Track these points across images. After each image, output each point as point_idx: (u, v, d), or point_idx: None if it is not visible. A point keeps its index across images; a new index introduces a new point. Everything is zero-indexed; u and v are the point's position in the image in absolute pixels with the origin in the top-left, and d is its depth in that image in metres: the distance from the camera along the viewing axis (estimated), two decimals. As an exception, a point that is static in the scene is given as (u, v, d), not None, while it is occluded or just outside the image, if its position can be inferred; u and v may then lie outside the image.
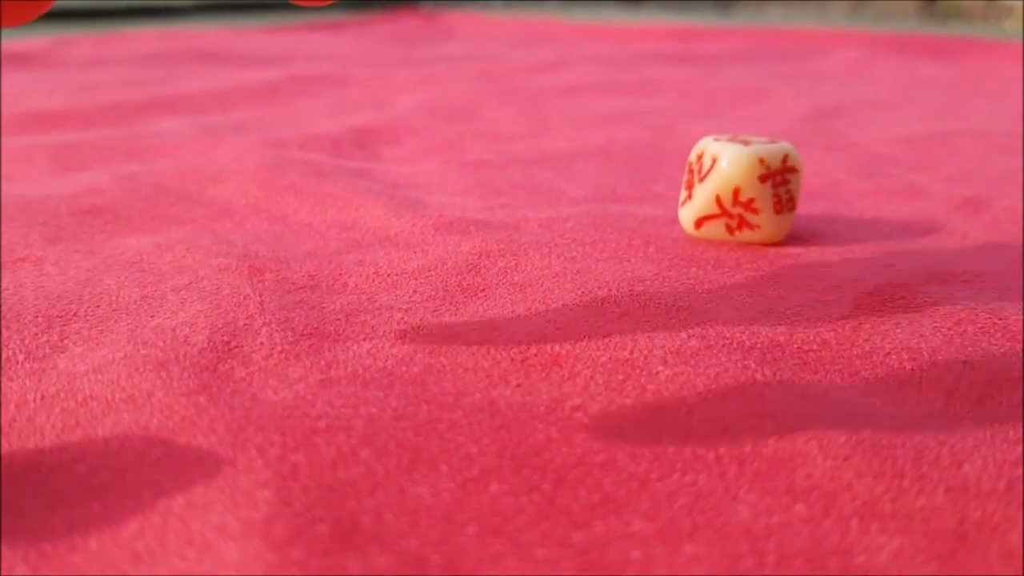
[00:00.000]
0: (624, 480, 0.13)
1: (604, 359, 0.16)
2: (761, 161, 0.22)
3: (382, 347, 0.17)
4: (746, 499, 0.12)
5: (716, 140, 0.23)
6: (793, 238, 0.24)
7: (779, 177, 0.22)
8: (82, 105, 0.42)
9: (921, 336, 0.17)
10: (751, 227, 0.23)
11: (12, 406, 0.15)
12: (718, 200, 0.23)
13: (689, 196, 0.23)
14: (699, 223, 0.23)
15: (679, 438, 0.14)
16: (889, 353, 0.17)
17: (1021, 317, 0.18)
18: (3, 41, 0.67)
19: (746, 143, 0.23)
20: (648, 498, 0.13)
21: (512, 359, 0.16)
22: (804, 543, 0.12)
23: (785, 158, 0.23)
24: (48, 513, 0.12)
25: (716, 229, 0.23)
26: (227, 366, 0.16)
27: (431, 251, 0.22)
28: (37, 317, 0.18)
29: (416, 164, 0.33)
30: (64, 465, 0.13)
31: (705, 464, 0.13)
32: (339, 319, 0.18)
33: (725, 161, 0.22)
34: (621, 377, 0.16)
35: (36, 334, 0.18)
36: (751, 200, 0.22)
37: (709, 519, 0.12)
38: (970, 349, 0.17)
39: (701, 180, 0.23)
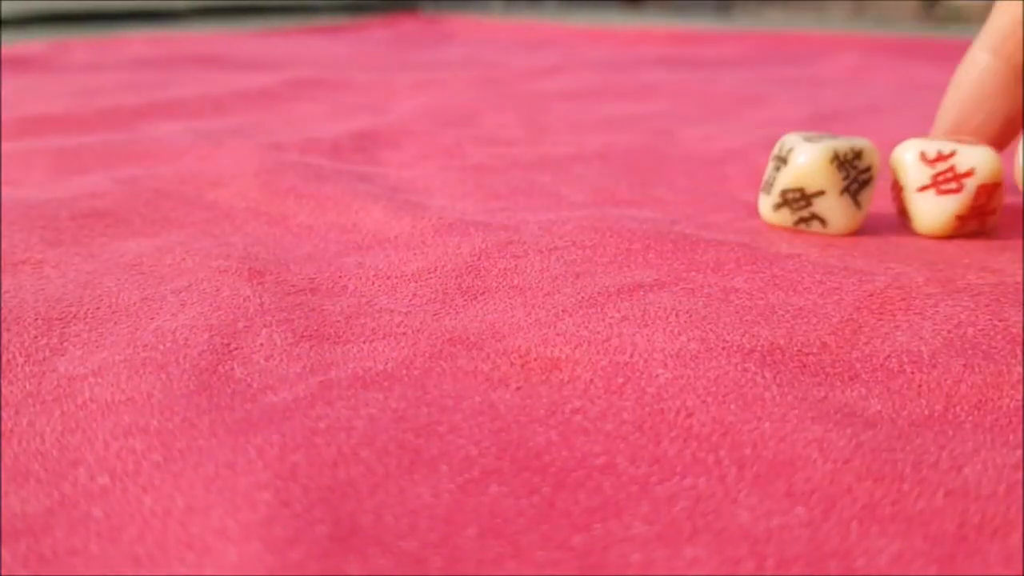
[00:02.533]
0: (624, 483, 0.13)
1: (604, 362, 0.16)
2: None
3: (382, 350, 0.17)
4: (746, 503, 0.12)
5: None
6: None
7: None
8: (81, 109, 0.42)
9: (921, 339, 0.17)
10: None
11: (12, 409, 0.15)
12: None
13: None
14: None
15: (679, 440, 0.14)
16: (889, 356, 0.17)
17: (1021, 319, 0.18)
18: (2, 46, 0.67)
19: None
20: (648, 501, 0.13)
21: (512, 363, 0.16)
22: (804, 547, 0.12)
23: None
24: (48, 516, 0.12)
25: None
26: (227, 367, 0.16)
27: (430, 252, 0.22)
28: (37, 320, 0.18)
29: (416, 168, 0.33)
30: (64, 468, 0.13)
31: (705, 467, 0.13)
32: (339, 321, 0.18)
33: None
34: (621, 380, 0.16)
35: (36, 336, 0.18)
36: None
37: (709, 522, 0.12)
38: (970, 352, 0.17)
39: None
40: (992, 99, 0.26)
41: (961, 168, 0.23)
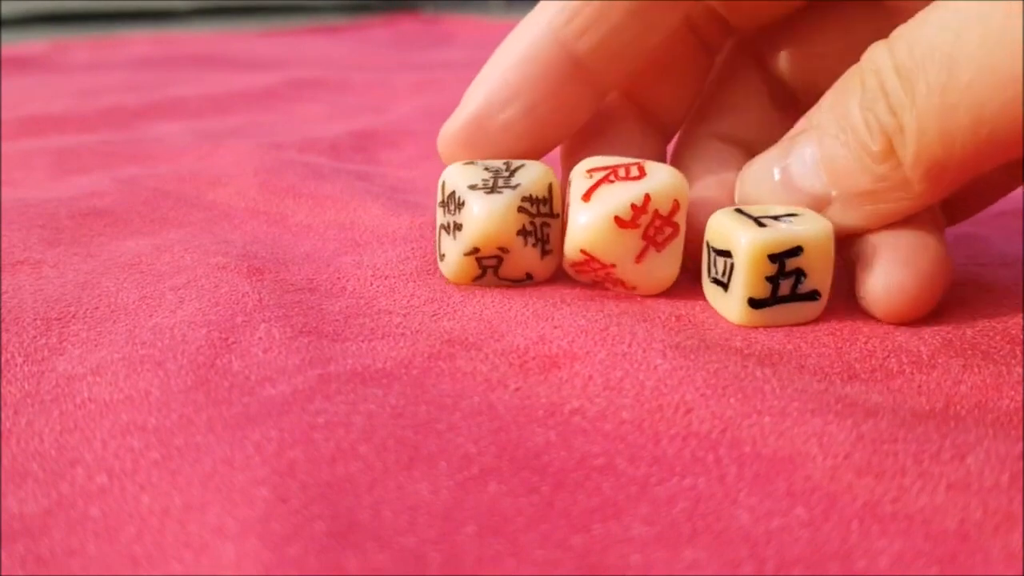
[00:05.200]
0: (623, 484, 0.13)
1: (602, 354, 0.16)
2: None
3: (380, 349, 0.17)
4: (746, 503, 0.12)
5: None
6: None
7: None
8: (81, 109, 0.42)
9: (920, 339, 0.17)
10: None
11: (11, 409, 0.15)
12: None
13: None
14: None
15: (678, 438, 0.14)
16: (888, 356, 0.17)
17: (1020, 320, 0.18)
18: (2, 45, 0.67)
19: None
20: (647, 502, 0.13)
21: (510, 363, 0.16)
22: (804, 548, 0.12)
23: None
24: (46, 517, 0.12)
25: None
26: (224, 361, 0.16)
27: (429, 250, 0.22)
28: (36, 319, 0.18)
29: (415, 168, 0.33)
30: (62, 468, 0.13)
31: (705, 467, 0.13)
32: (338, 320, 0.18)
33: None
34: (619, 374, 0.16)
35: (35, 336, 0.18)
36: None
37: (708, 523, 0.12)
38: (969, 353, 0.17)
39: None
40: (535, 89, 0.19)
41: (664, 208, 0.18)
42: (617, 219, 0.18)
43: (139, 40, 0.76)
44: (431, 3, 1.24)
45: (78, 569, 0.11)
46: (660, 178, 0.18)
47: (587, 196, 0.18)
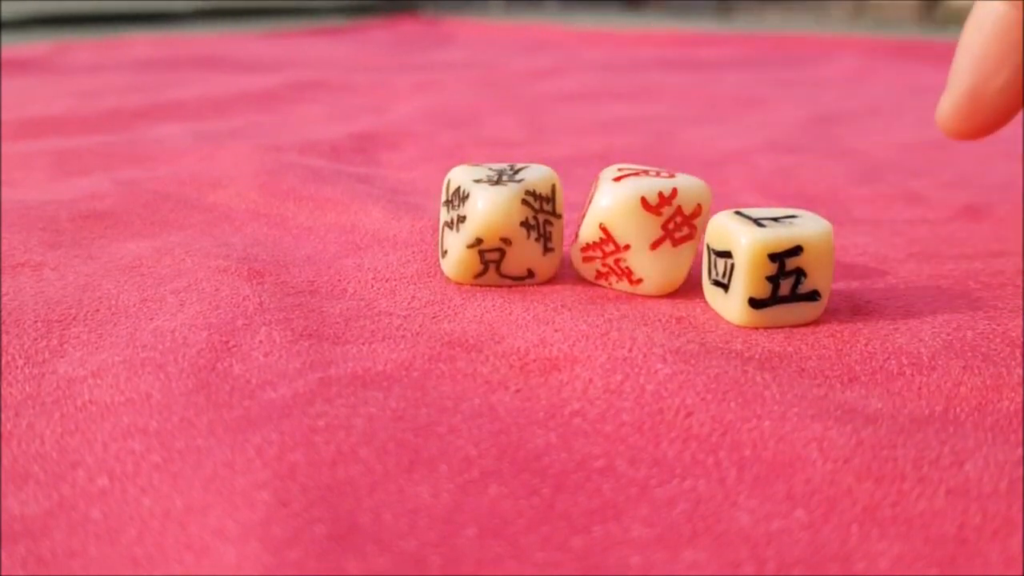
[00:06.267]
0: (623, 486, 0.13)
1: (603, 358, 0.16)
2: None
3: (381, 352, 0.17)
4: (746, 505, 0.12)
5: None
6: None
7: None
8: (82, 111, 0.42)
9: (920, 341, 0.17)
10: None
11: (12, 411, 0.15)
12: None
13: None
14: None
15: (679, 441, 0.14)
16: (888, 358, 0.17)
17: (1020, 323, 0.18)
18: (3, 47, 0.67)
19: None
20: (647, 503, 0.13)
21: (511, 365, 0.16)
22: (804, 550, 0.12)
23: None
24: (47, 518, 0.12)
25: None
26: (225, 364, 0.16)
27: (429, 253, 0.22)
28: (36, 322, 0.18)
29: (415, 169, 0.33)
30: (63, 470, 0.13)
31: (705, 469, 0.13)
32: (338, 323, 0.18)
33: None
34: (620, 377, 0.16)
35: (36, 339, 0.18)
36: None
37: (709, 525, 0.12)
38: (969, 354, 0.17)
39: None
40: (1017, 51, 0.22)
41: (687, 207, 0.19)
42: (644, 200, 0.19)
43: (140, 42, 0.76)
44: (431, 4, 1.24)
45: (79, 570, 0.11)
46: (689, 181, 0.19)
47: (618, 180, 0.19)
